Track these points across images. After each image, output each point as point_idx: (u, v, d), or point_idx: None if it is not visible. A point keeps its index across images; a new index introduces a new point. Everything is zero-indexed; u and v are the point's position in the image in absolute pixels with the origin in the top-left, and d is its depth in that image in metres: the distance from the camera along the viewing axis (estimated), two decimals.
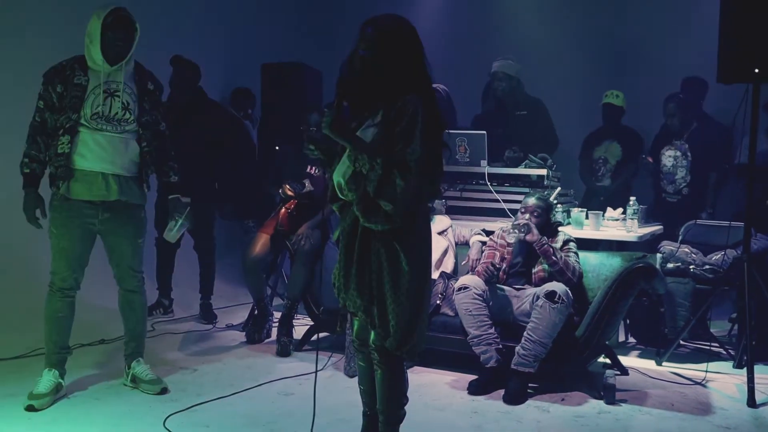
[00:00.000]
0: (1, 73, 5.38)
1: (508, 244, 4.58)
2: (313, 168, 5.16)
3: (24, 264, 5.33)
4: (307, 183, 5.17)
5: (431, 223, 3.68)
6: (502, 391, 4.13)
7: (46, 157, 3.88)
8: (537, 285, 4.36)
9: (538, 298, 4.16)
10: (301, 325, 5.27)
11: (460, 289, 4.35)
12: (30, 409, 3.76)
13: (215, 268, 5.97)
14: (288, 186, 5.13)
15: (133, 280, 4.13)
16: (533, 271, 4.45)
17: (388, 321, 2.95)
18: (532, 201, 4.54)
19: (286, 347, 4.93)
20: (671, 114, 6.06)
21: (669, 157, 6.11)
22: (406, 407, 3.19)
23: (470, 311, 4.28)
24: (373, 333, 3.04)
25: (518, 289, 4.43)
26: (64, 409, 3.83)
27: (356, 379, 3.37)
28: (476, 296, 4.30)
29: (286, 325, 5.02)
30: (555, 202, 5.08)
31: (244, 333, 5.35)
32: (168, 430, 3.55)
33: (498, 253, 4.59)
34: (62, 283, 3.95)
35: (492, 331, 4.27)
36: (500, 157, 5.63)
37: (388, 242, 2.92)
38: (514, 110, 6.22)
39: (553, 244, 4.42)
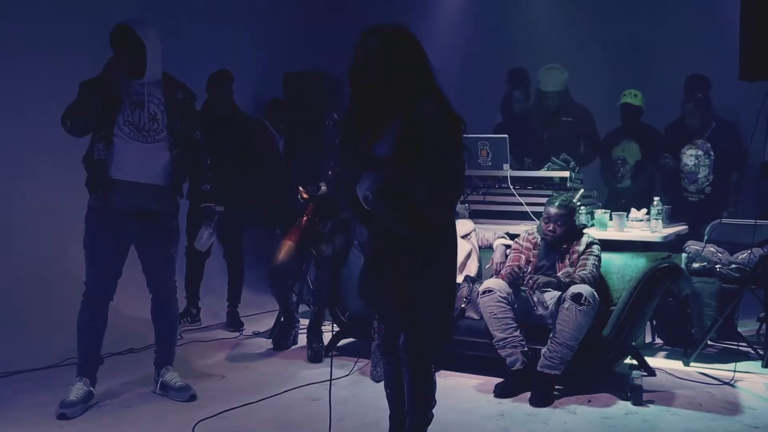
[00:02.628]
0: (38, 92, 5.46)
1: (534, 247, 4.58)
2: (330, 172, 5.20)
3: (55, 273, 5.40)
4: (322, 186, 5.18)
5: None
6: (528, 394, 4.13)
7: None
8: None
9: (564, 300, 4.15)
10: (327, 331, 5.30)
11: (484, 292, 4.36)
12: (62, 417, 3.83)
13: (243, 276, 6.03)
14: (303, 189, 5.14)
15: (165, 288, 4.18)
16: (558, 274, 4.44)
17: (423, 326, 2.99)
18: (553, 210, 4.47)
19: (318, 353, 4.96)
20: (690, 114, 5.99)
21: (690, 156, 6.04)
22: (433, 410, 3.21)
23: (495, 314, 4.29)
24: (403, 336, 3.07)
25: (543, 292, 4.43)
26: (95, 416, 3.90)
27: (383, 383, 3.39)
28: (501, 299, 4.30)
29: (315, 332, 5.04)
30: (578, 204, 5.07)
31: (270, 340, 5.40)
32: None
33: (523, 256, 4.59)
34: (96, 293, 4.01)
35: (517, 333, 4.28)
36: (544, 161, 5.67)
37: (421, 247, 2.95)
38: (561, 116, 6.25)
39: (577, 247, 4.43)
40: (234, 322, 5.87)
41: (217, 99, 5.88)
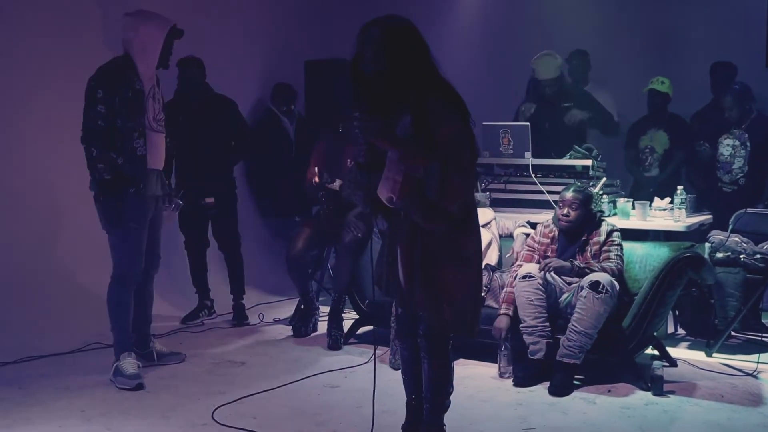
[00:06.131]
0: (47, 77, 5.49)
1: (552, 242, 4.52)
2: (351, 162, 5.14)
3: (77, 260, 5.46)
4: (338, 181, 5.04)
5: None
6: (547, 383, 4.11)
7: (120, 160, 4.07)
8: None
9: (582, 288, 4.12)
10: (347, 319, 5.30)
11: (524, 276, 4.28)
12: (139, 387, 4.10)
13: (243, 266, 5.82)
14: (316, 173, 5.03)
15: (158, 264, 4.48)
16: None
17: (464, 311, 3.02)
18: (569, 194, 4.44)
19: (337, 341, 4.96)
20: (729, 108, 5.79)
21: (727, 146, 5.89)
22: (450, 397, 3.22)
23: (531, 300, 4.23)
24: (423, 323, 3.08)
25: (569, 283, 4.36)
26: (116, 401, 3.94)
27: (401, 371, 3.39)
28: (540, 286, 4.24)
29: (335, 319, 5.05)
30: (600, 192, 5.02)
31: (290, 327, 5.41)
32: (216, 421, 3.63)
33: (536, 256, 4.52)
34: (136, 273, 4.24)
35: (547, 324, 4.22)
36: (549, 151, 5.61)
37: (450, 235, 2.97)
38: (560, 103, 6.18)
39: (597, 238, 4.38)
40: (239, 316, 5.70)
41: (190, 85, 5.57)
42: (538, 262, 4.46)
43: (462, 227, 2.99)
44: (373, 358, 4.58)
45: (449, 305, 3.00)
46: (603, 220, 4.53)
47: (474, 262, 3.05)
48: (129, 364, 4.16)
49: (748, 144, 5.82)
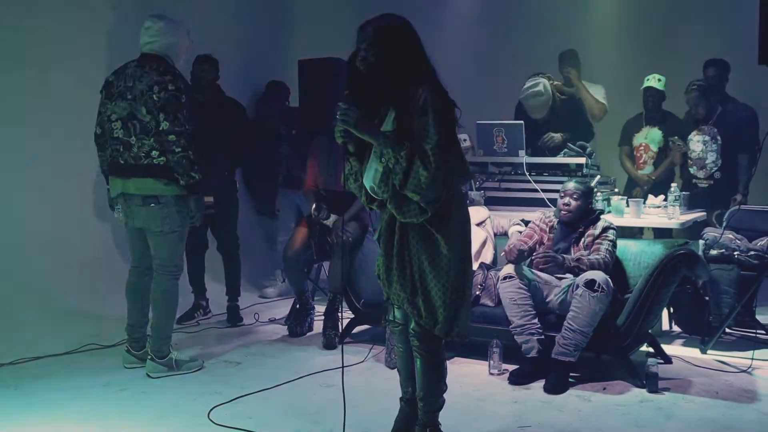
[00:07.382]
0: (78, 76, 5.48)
1: (550, 230, 4.56)
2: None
3: (72, 261, 5.45)
4: (332, 217, 5.14)
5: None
6: (542, 381, 4.11)
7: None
8: (577, 274, 4.32)
9: (577, 287, 4.13)
10: (347, 318, 5.29)
11: (505, 278, 4.33)
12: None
13: (240, 268, 5.83)
14: (315, 208, 5.13)
15: None
16: (571, 256, 4.41)
17: (435, 309, 3.01)
18: (571, 185, 4.53)
19: (331, 340, 4.96)
20: (695, 104, 5.91)
21: (698, 142, 5.97)
22: (445, 395, 3.23)
23: (515, 300, 4.27)
24: (413, 321, 3.09)
25: (560, 279, 4.40)
26: (113, 403, 3.93)
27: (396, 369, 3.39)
28: (522, 285, 4.28)
29: (331, 318, 5.05)
30: (595, 189, 5.04)
31: (286, 327, 5.41)
32: (212, 421, 3.62)
33: (536, 236, 4.57)
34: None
35: (535, 321, 4.25)
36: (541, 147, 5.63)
37: (425, 231, 2.98)
38: (550, 127, 6.16)
39: (592, 231, 4.41)
40: (233, 317, 5.68)
41: (201, 83, 5.64)
42: (532, 248, 4.51)
43: (439, 223, 2.97)
44: (367, 356, 4.64)
45: (423, 302, 3.01)
46: (601, 217, 4.56)
47: (453, 261, 2.99)
48: (181, 352, 4.47)
49: (718, 138, 5.89)
